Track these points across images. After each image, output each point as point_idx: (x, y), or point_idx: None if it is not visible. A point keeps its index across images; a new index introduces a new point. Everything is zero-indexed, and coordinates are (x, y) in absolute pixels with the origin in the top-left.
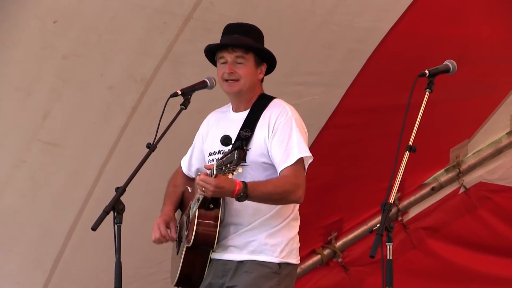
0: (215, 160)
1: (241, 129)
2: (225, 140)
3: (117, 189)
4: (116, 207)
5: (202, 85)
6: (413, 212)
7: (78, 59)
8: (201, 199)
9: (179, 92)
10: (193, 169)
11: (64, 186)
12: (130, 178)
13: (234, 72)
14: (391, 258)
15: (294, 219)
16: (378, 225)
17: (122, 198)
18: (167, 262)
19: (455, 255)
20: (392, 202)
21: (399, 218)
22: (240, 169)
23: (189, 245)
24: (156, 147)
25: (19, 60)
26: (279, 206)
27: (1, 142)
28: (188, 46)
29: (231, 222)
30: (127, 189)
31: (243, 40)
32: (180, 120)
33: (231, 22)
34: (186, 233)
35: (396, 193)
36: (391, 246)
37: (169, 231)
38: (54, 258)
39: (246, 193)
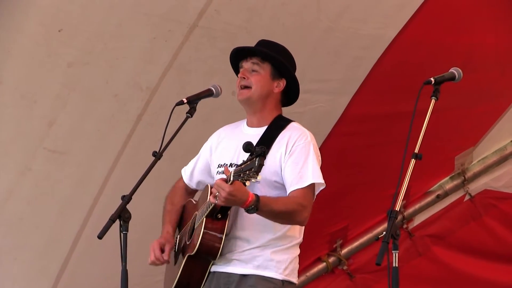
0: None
1: (257, 145)
2: (248, 146)
3: (123, 197)
4: (122, 215)
5: (208, 93)
6: (418, 220)
7: (84, 67)
8: (210, 208)
9: (185, 100)
10: (195, 180)
11: (69, 194)
12: (136, 186)
13: (247, 77)
14: (397, 265)
15: (299, 243)
16: (384, 232)
17: (128, 206)
18: None
19: (460, 263)
20: (398, 209)
21: (404, 226)
22: (259, 177)
23: (191, 254)
24: (162, 155)
25: (25, 68)
26: (288, 228)
27: (7, 150)
28: (193, 54)
29: (238, 236)
30: (133, 197)
31: (263, 50)
32: (185, 128)
33: (236, 30)
34: (188, 242)
35: (401, 200)
36: (397, 254)
37: (164, 254)
38: (59, 266)
39: (257, 206)
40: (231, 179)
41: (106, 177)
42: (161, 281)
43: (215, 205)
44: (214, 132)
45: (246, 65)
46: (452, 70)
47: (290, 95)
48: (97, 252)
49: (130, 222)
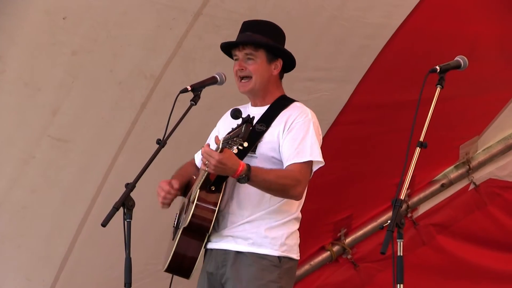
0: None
1: (257, 123)
2: (235, 113)
3: (127, 185)
4: (126, 203)
5: (212, 81)
6: (423, 209)
7: (88, 55)
8: (203, 178)
9: (189, 88)
10: None
11: (73, 182)
12: (140, 174)
13: (244, 68)
14: (401, 254)
15: (296, 218)
16: (389, 221)
17: (132, 194)
18: None
19: (464, 252)
20: (402, 198)
21: (409, 215)
22: (245, 144)
23: (185, 226)
24: (166, 143)
25: (29, 56)
26: (283, 202)
27: (11, 138)
28: (197, 42)
29: (232, 211)
30: (136, 185)
31: (253, 37)
32: (190, 116)
33: (240, 18)
34: (184, 216)
35: (406, 189)
36: (401, 243)
37: (172, 187)
38: (63, 254)
39: (248, 175)
40: (220, 146)
41: (110, 165)
42: None
43: (209, 176)
44: (220, 118)
45: (240, 54)
46: (457, 58)
47: (287, 67)
48: (100, 240)
49: (134, 210)
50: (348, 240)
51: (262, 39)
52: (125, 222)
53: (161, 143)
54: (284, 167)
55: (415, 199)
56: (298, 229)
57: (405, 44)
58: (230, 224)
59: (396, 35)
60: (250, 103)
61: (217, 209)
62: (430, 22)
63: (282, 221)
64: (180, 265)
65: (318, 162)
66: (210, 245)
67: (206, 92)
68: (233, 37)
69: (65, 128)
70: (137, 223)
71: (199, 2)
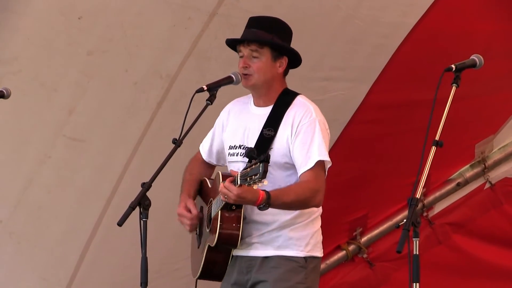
0: (238, 160)
1: (264, 127)
2: (250, 153)
3: (143, 184)
4: (142, 203)
5: (228, 80)
6: (439, 208)
7: (103, 55)
8: (223, 203)
9: (205, 88)
10: (214, 156)
11: (89, 181)
12: (156, 173)
13: (248, 66)
14: (417, 253)
15: (318, 216)
16: (405, 220)
17: (148, 194)
18: None
19: (480, 251)
20: (418, 197)
21: (425, 214)
22: (265, 182)
23: (212, 246)
24: (182, 142)
25: (44, 56)
26: None
27: (27, 138)
28: (213, 41)
29: (255, 220)
30: (152, 184)
31: (258, 34)
32: (205, 116)
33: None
34: (207, 231)
35: (422, 188)
36: (417, 242)
37: (192, 212)
38: (79, 254)
39: (268, 203)
40: (238, 182)
41: (126, 165)
42: (180, 268)
43: None
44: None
45: (245, 51)
46: (473, 57)
47: (292, 64)
48: (116, 239)
49: (150, 210)
50: (364, 239)
51: (267, 36)
52: (141, 221)
53: (177, 143)
54: (298, 174)
55: (430, 198)
56: None
57: (420, 43)
58: (255, 231)
59: (411, 34)
60: (252, 99)
61: (241, 224)
62: (445, 21)
63: (306, 222)
64: (211, 273)
65: (327, 161)
66: (236, 252)
67: (221, 91)
68: None
69: (80, 128)
70: (153, 223)
71: (214, 1)
